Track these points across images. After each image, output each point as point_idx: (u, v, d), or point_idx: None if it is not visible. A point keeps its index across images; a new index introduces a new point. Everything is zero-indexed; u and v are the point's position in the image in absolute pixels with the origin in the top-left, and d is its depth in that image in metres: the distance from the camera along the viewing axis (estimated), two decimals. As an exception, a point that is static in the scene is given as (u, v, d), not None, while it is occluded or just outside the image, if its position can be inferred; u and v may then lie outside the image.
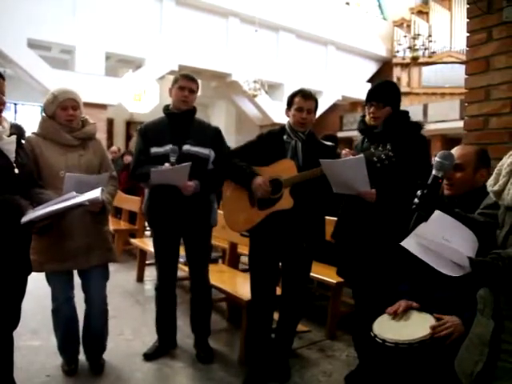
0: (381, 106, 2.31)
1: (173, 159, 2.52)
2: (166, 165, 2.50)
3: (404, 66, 15.03)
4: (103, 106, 9.71)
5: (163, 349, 2.88)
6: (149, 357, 2.81)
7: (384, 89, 2.36)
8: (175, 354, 2.91)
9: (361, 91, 11.06)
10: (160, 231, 2.79)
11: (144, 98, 10.75)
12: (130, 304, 3.98)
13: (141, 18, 10.11)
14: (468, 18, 2.66)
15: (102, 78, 9.75)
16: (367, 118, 2.39)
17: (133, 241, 5.05)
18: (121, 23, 9.76)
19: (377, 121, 2.32)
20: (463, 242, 1.37)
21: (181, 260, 2.95)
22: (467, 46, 2.66)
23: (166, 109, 2.76)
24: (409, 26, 14.83)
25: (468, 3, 2.64)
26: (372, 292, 2.30)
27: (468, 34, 2.66)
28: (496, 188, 1.34)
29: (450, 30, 14.99)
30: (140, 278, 4.75)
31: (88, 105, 9.39)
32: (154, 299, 2.94)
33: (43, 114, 2.46)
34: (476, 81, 2.60)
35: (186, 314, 3.09)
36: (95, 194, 1.98)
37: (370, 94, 2.36)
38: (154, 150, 2.64)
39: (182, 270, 3.30)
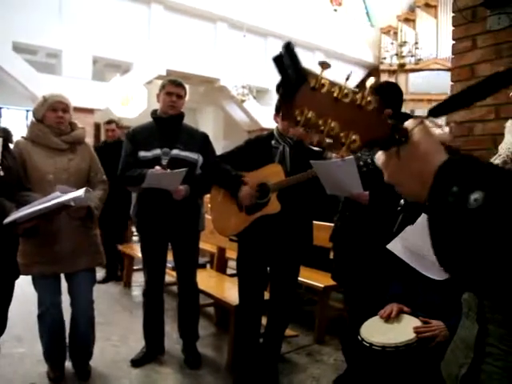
0: None
1: (164, 162, 2.52)
2: (157, 168, 2.50)
3: (391, 72, 15.21)
4: (90, 111, 9.62)
5: (151, 354, 2.86)
6: (136, 363, 2.79)
7: (385, 90, 2.36)
8: (163, 359, 2.89)
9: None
10: (148, 236, 2.77)
11: (131, 103, 10.69)
12: (117, 310, 3.94)
13: (129, 22, 10.07)
14: (453, 26, 2.71)
15: (89, 82, 9.67)
16: None
17: (120, 246, 5.00)
18: (108, 27, 9.70)
19: None
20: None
21: (168, 265, 2.94)
22: (452, 54, 2.71)
23: (154, 113, 2.76)
24: (396, 33, 15.00)
25: (453, 12, 2.70)
26: (365, 296, 2.32)
27: (453, 42, 2.71)
28: None
29: (436, 38, 15.22)
30: (127, 284, 4.71)
31: (75, 109, 9.28)
32: (142, 305, 2.92)
33: (32, 119, 2.45)
34: (461, 88, 2.64)
35: (173, 320, 3.07)
36: (78, 193, 1.98)
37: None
38: (142, 153, 2.64)
39: (170, 275, 3.28)
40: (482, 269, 0.53)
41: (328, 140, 0.57)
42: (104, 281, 4.65)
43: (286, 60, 0.55)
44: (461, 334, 1.36)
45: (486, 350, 1.15)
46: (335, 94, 0.56)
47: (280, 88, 0.56)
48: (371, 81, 0.59)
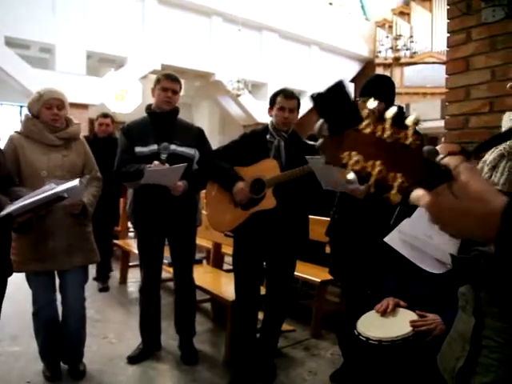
0: None
1: (163, 156, 2.50)
2: (156, 163, 2.47)
3: (386, 66, 15.18)
4: (84, 106, 9.56)
5: (147, 351, 2.85)
6: (133, 360, 2.78)
7: (378, 83, 2.36)
8: (160, 356, 2.89)
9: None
10: (145, 232, 2.75)
11: (126, 98, 10.62)
12: (113, 306, 3.92)
13: (122, 16, 9.98)
14: (448, 18, 2.70)
15: (83, 77, 9.59)
16: None
17: (116, 242, 4.99)
18: (102, 21, 9.62)
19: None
20: (445, 238, 1.38)
21: (165, 261, 2.92)
22: (447, 47, 2.70)
23: (149, 108, 2.74)
24: (391, 27, 14.97)
25: (448, 4, 2.68)
26: (363, 290, 2.32)
27: (448, 35, 2.70)
28: None
29: (430, 31, 15.19)
30: (123, 280, 4.69)
31: (69, 105, 9.28)
32: (138, 301, 2.91)
33: (27, 113, 2.42)
34: (456, 81, 2.64)
35: (170, 316, 3.06)
36: (73, 183, 1.97)
37: (364, 88, 2.33)
38: (138, 149, 2.62)
39: (166, 271, 3.27)
40: None
41: (376, 182, 0.54)
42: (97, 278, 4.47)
43: (337, 99, 0.51)
44: (457, 328, 1.36)
45: (482, 342, 1.15)
46: (378, 134, 0.53)
47: (322, 129, 0.53)
48: (392, 112, 0.54)
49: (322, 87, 0.55)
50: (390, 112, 0.54)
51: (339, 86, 0.51)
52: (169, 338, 3.05)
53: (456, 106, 2.63)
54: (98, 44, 9.68)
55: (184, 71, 10.78)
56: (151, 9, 10.47)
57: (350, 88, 12.64)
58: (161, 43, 10.48)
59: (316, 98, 0.52)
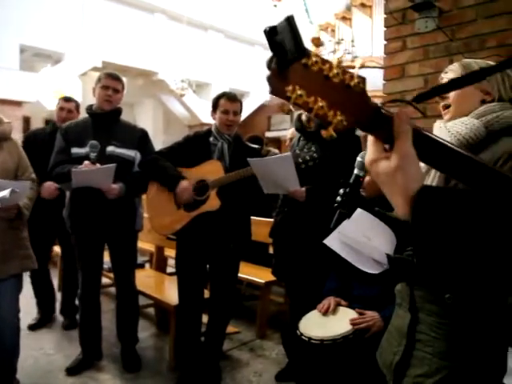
0: None
1: (93, 156, 2.39)
2: (86, 163, 2.36)
3: (329, 69, 15.60)
4: (18, 103, 9.00)
5: (87, 361, 2.73)
6: (72, 371, 2.65)
7: None
8: (101, 365, 2.77)
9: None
10: (83, 237, 2.63)
11: (65, 95, 10.15)
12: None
13: (60, 9, 9.51)
14: (385, 26, 2.81)
15: (16, 72, 9.03)
16: (303, 116, 2.44)
17: (54, 248, 4.73)
18: (37, 13, 9.10)
19: (313, 120, 2.37)
20: (383, 239, 1.43)
21: (105, 266, 2.82)
22: (385, 54, 2.81)
23: (89, 109, 2.64)
24: (333, 31, 15.42)
25: (385, 13, 2.80)
26: (306, 290, 2.36)
27: (385, 42, 2.82)
28: None
29: (371, 36, 15.81)
30: (61, 287, 4.46)
31: (0, 101, 8.69)
32: (77, 309, 2.78)
33: None
34: (393, 86, 2.76)
35: (111, 323, 2.96)
36: (2, 193, 1.85)
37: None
38: (74, 150, 2.51)
39: (107, 277, 3.15)
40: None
41: (315, 118, 0.57)
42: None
43: (286, 33, 0.53)
44: (394, 323, 1.42)
45: (416, 337, 1.21)
46: (325, 73, 0.56)
47: (272, 62, 0.54)
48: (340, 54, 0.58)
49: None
50: (339, 54, 0.55)
51: (289, 20, 0.53)
52: (110, 345, 2.94)
53: (393, 111, 2.75)
54: (32, 38, 9.16)
55: (126, 69, 10.47)
56: (92, 2, 10.06)
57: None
58: (102, 39, 10.09)
59: (268, 31, 0.54)
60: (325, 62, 0.55)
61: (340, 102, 0.57)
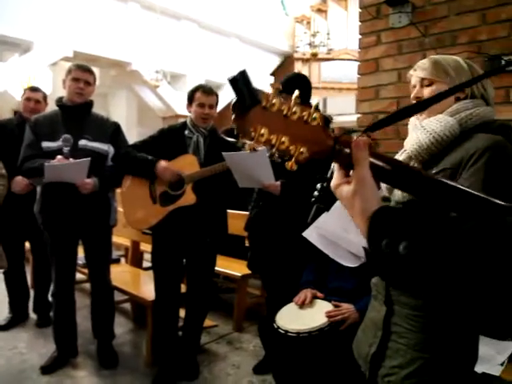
0: None
1: (66, 150, 2.33)
2: (59, 157, 2.31)
3: (305, 61, 15.63)
4: (-16, 94, 8.71)
5: (63, 359, 2.69)
6: (47, 369, 2.60)
7: (293, 82, 2.41)
8: (76, 362, 2.73)
9: (264, 84, 11.29)
10: (56, 233, 2.57)
11: (31, 85, 9.84)
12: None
13: (27, -4, 9.19)
14: (360, 21, 2.83)
15: (-18, 61, 8.72)
16: None
17: (26, 244, 4.60)
18: (5, 0, 8.78)
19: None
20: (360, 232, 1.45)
21: (79, 262, 2.77)
22: (359, 48, 2.84)
23: (59, 101, 2.56)
24: (309, 23, 15.44)
25: (360, 8, 2.82)
26: (282, 283, 2.38)
27: (360, 37, 2.84)
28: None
29: (346, 29, 15.89)
30: (33, 284, 4.36)
31: (-35, 92, 8.35)
32: (51, 306, 2.73)
33: None
34: (367, 80, 2.79)
35: (86, 319, 2.91)
36: None
37: (283, 84, 2.38)
38: (45, 144, 2.44)
39: (81, 273, 3.10)
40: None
41: (278, 153, 0.64)
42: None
43: (241, 84, 0.61)
44: (370, 315, 1.45)
45: (391, 328, 1.24)
46: (284, 112, 0.63)
47: (235, 107, 0.62)
48: (296, 93, 0.65)
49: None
50: (295, 93, 0.64)
51: (243, 74, 0.61)
52: (86, 342, 2.90)
53: (367, 105, 2.79)
54: (-1, 25, 8.82)
55: (98, 59, 10.22)
56: (61, -10, 9.74)
57: (270, 80, 12.92)
58: (73, 28, 9.78)
59: (230, 80, 0.62)
60: (283, 103, 0.63)
61: (300, 136, 0.63)
